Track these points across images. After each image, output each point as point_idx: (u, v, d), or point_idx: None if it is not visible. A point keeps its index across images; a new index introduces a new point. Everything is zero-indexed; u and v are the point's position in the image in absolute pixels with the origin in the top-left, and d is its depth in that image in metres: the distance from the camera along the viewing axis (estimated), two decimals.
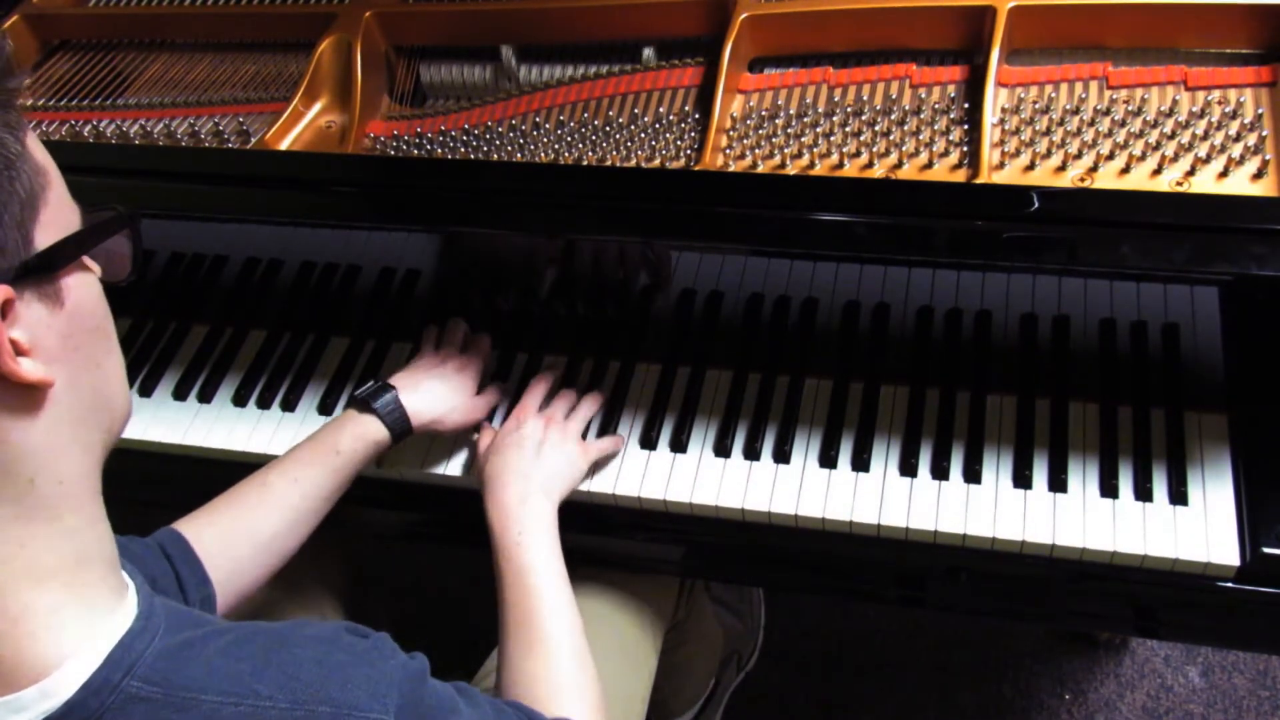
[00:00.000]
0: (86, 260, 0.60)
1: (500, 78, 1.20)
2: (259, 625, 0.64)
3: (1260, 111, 0.98)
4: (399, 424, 1.00)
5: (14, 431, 0.55)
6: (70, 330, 0.58)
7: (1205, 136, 0.97)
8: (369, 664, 0.63)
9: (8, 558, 0.56)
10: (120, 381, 0.63)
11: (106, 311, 0.62)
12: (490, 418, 1.11)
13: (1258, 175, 0.94)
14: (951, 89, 1.07)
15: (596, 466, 1.05)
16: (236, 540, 0.92)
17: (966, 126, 1.03)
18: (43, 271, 0.56)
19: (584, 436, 1.06)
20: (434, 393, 1.03)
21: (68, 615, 0.58)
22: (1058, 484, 0.97)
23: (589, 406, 1.07)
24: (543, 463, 0.98)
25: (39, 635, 0.56)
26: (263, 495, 0.94)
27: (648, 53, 1.16)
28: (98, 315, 0.61)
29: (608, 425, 1.08)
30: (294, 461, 0.97)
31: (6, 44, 0.55)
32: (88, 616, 0.58)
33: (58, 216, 0.58)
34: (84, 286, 0.59)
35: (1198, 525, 0.94)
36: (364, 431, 0.99)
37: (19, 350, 0.54)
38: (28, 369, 0.54)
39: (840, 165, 1.02)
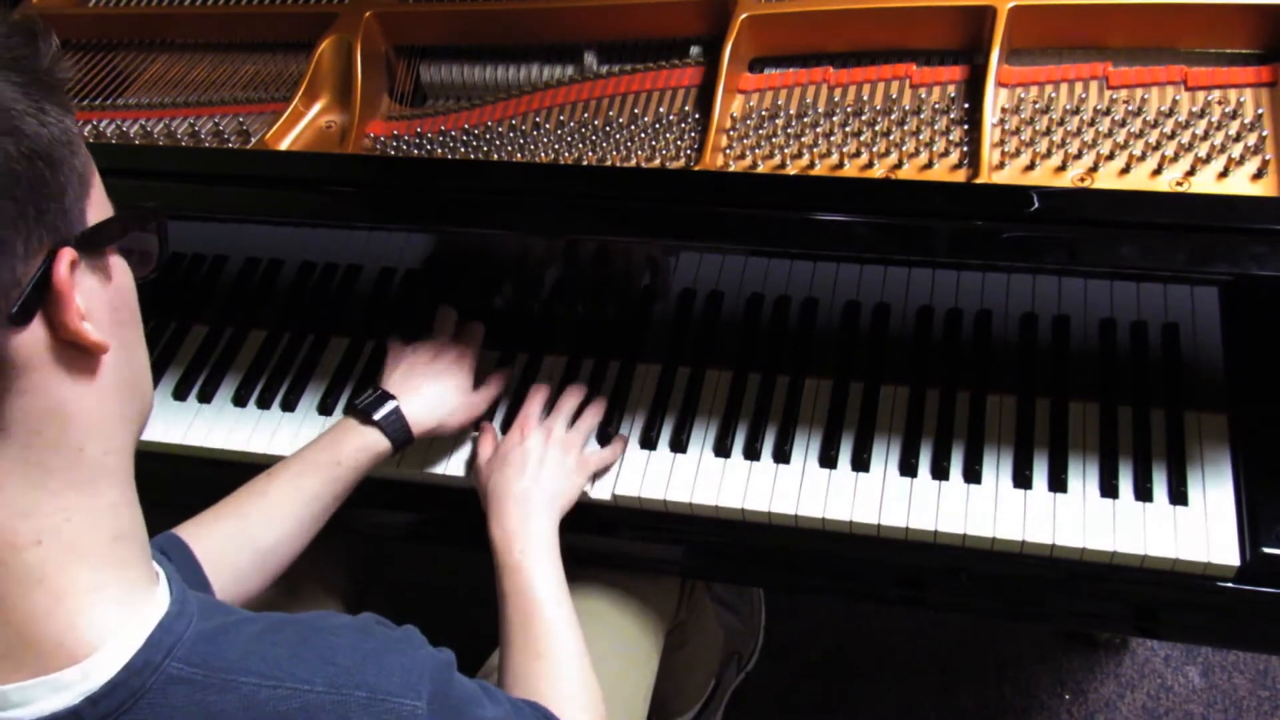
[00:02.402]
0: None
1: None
2: (287, 615, 0.65)
3: (1260, 111, 0.98)
4: (401, 435, 1.00)
5: (70, 395, 0.56)
6: (116, 305, 0.59)
7: (1205, 136, 0.97)
8: (401, 652, 0.63)
9: (55, 530, 0.56)
10: (148, 370, 0.64)
11: (137, 300, 0.63)
12: (490, 416, 1.11)
13: (1258, 175, 0.94)
14: (951, 89, 1.07)
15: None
16: (237, 548, 0.92)
17: (966, 126, 1.03)
18: (96, 244, 0.57)
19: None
20: (433, 398, 1.03)
21: (109, 595, 0.58)
22: (1058, 484, 0.98)
23: (591, 417, 1.06)
24: (544, 481, 0.98)
25: (81, 614, 0.56)
26: (264, 504, 0.94)
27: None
28: (133, 300, 0.62)
29: (607, 425, 1.08)
30: (295, 471, 0.97)
31: (52, 36, 0.56)
32: (127, 597, 0.59)
33: (101, 201, 0.60)
34: (124, 269, 0.61)
35: (1198, 525, 0.94)
36: (366, 444, 0.99)
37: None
38: (89, 329, 0.55)
39: (840, 165, 1.02)
